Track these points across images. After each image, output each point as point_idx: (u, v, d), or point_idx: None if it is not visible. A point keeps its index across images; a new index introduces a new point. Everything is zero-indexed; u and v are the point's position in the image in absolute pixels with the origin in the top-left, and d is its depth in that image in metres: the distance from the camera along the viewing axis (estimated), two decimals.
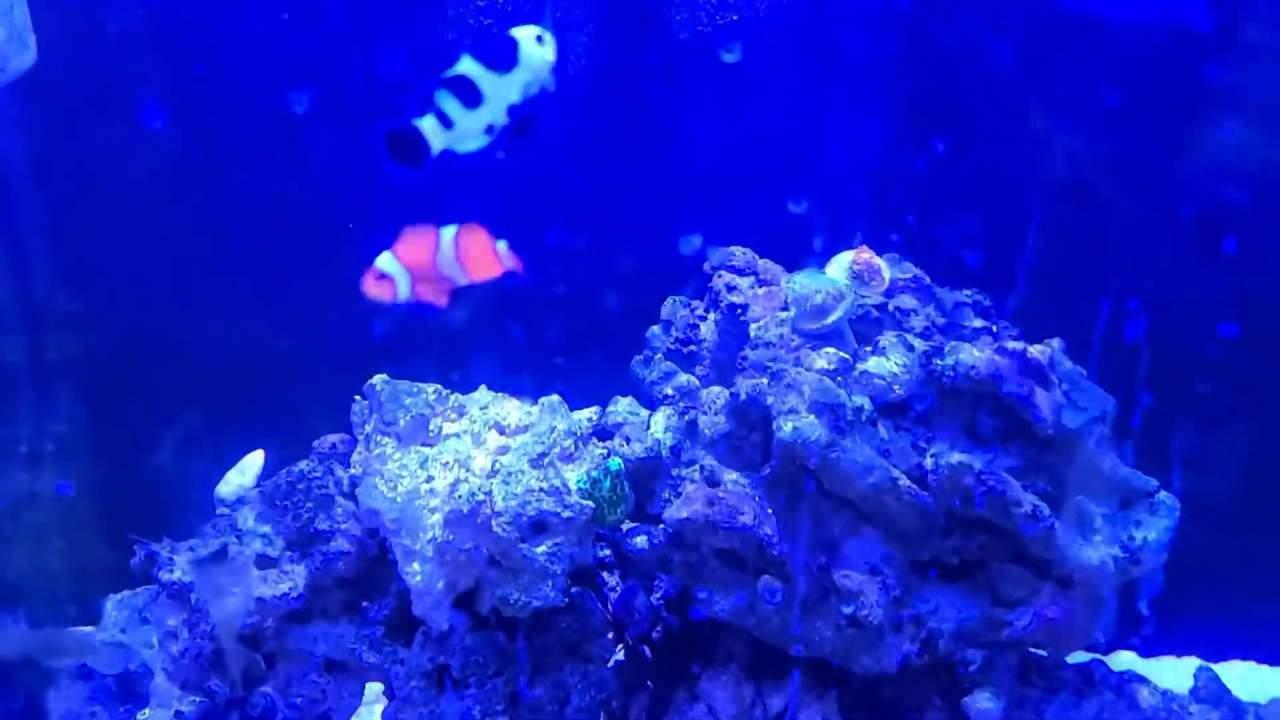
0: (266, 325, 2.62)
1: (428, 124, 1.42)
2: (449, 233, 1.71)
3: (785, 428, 1.93)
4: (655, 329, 2.35)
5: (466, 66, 1.41)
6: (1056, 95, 2.54)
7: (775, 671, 2.13)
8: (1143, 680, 2.21)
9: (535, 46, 1.47)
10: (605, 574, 2.19)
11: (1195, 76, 2.44)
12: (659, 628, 2.21)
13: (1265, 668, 2.79)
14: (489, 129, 1.46)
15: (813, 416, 1.94)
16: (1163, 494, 2.06)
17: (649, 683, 2.21)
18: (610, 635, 2.13)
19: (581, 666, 2.09)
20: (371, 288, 1.73)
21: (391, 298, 1.73)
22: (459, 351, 2.64)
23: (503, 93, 1.43)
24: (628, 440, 2.07)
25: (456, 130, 1.42)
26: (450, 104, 1.41)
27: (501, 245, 1.74)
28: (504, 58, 1.43)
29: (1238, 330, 2.37)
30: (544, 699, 2.07)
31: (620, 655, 2.22)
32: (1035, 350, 2.02)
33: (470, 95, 1.41)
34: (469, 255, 1.73)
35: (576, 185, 2.69)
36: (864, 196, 2.50)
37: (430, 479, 1.99)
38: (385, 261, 1.71)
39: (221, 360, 2.59)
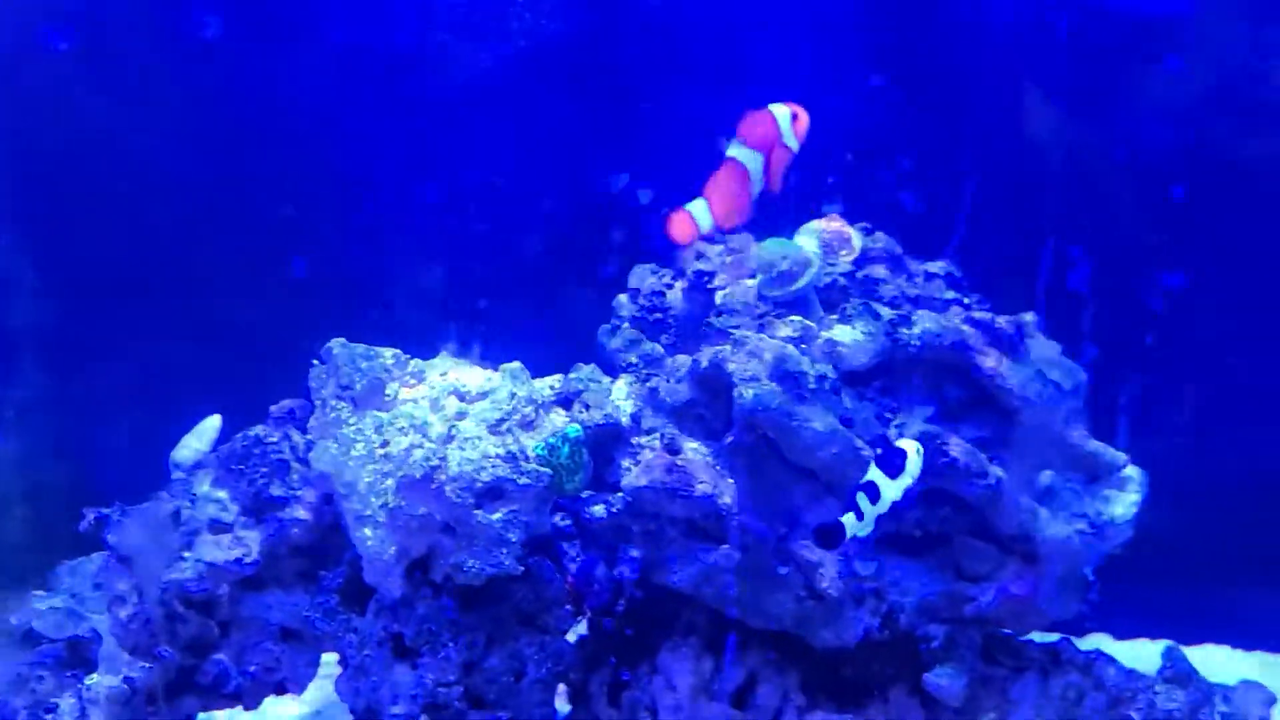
0: (227, 290, 2.59)
1: (849, 520, 1.74)
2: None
3: (745, 395, 1.89)
4: (623, 297, 2.31)
5: (873, 474, 1.75)
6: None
7: (737, 646, 2.10)
8: (1110, 660, 2.18)
9: (916, 457, 1.77)
10: (567, 544, 2.16)
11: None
12: (623, 600, 2.18)
13: (1240, 652, 2.77)
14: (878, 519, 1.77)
15: (774, 384, 1.90)
16: (1130, 469, 2.02)
17: (612, 655, 2.18)
18: (569, 606, 2.10)
19: (539, 637, 2.06)
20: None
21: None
22: (432, 317, 2.62)
23: (891, 493, 1.75)
24: (587, 407, 2.04)
25: (864, 521, 1.74)
26: (863, 502, 1.74)
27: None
28: (896, 467, 1.76)
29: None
30: (499, 669, 2.03)
31: (584, 628, 2.20)
32: (1003, 321, 1.99)
33: (874, 495, 1.75)
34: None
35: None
36: (838, 166, 2.47)
37: (385, 444, 1.96)
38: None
39: (181, 325, 2.56)
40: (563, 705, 2.20)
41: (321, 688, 2.26)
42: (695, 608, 2.07)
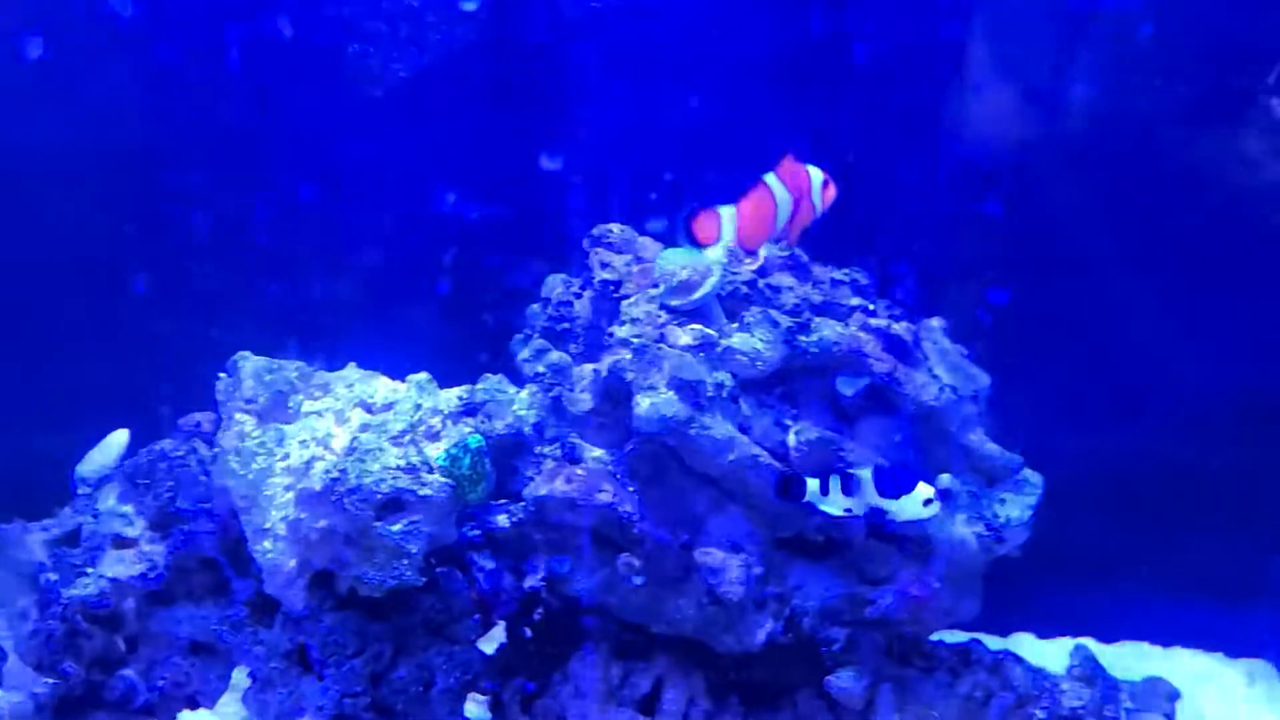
0: (137, 302, 2.58)
1: (813, 484, 1.84)
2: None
3: (643, 404, 1.91)
4: (535, 307, 2.33)
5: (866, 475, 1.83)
6: None
7: (644, 652, 2.11)
8: (1017, 659, 2.21)
9: (920, 508, 1.85)
10: (477, 555, 2.16)
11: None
12: (540, 609, 2.19)
13: (1157, 648, 2.81)
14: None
15: (672, 393, 1.92)
16: (1027, 471, 2.05)
17: (525, 664, 2.19)
18: (478, 616, 2.11)
19: (447, 648, 2.07)
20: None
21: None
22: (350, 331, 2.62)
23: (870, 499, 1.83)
24: (490, 417, 2.05)
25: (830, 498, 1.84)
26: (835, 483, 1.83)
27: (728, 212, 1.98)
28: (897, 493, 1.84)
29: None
30: (408, 680, 2.04)
31: (503, 637, 2.21)
32: (899, 328, 2.01)
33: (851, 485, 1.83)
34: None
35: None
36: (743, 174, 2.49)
37: (287, 456, 1.96)
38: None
39: (89, 337, 2.55)
40: (485, 714, 2.21)
41: (234, 701, 2.26)
42: (605, 615, 2.09)
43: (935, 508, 1.87)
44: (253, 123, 2.58)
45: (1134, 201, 2.51)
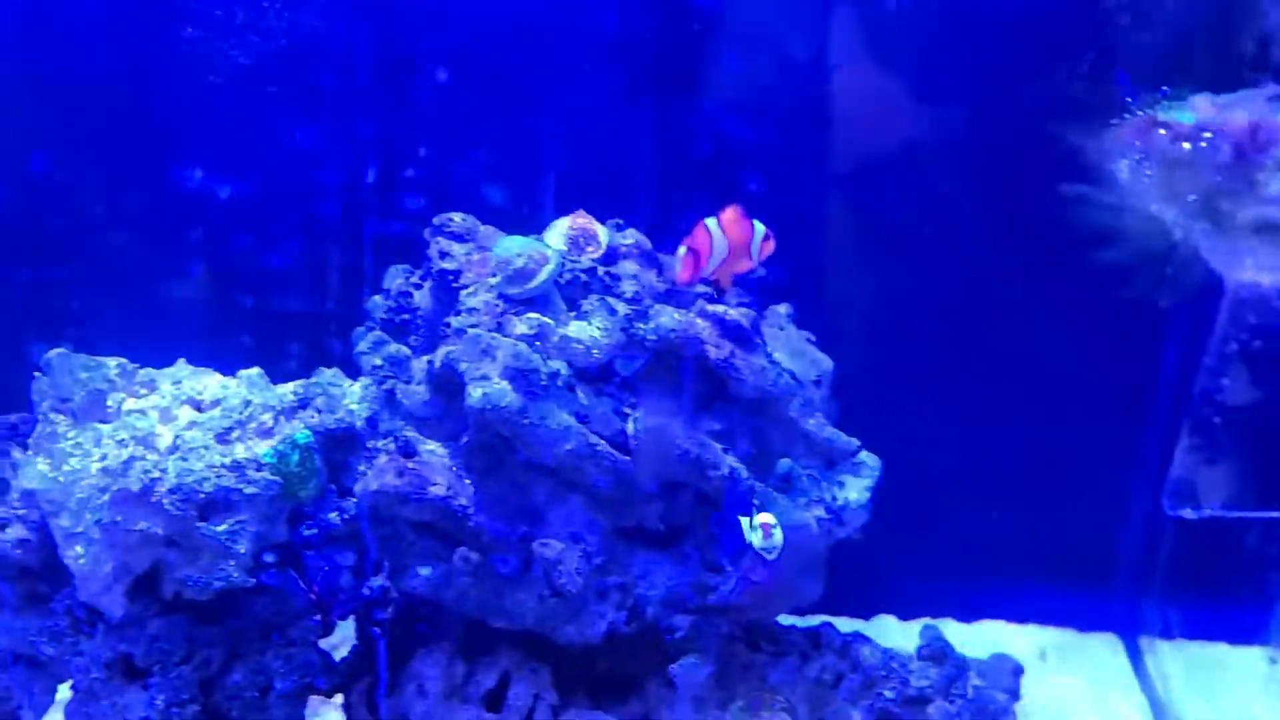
0: None
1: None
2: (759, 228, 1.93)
3: (475, 394, 1.87)
4: (376, 299, 2.27)
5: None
6: None
7: (490, 648, 2.08)
8: (866, 640, 2.23)
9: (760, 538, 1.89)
10: (314, 554, 2.10)
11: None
12: (389, 606, 2.14)
13: (1013, 625, 2.87)
14: None
15: (505, 383, 1.89)
16: (864, 454, 2.07)
17: (371, 664, 2.14)
18: (318, 617, 2.05)
19: (285, 650, 2.01)
20: (687, 262, 1.88)
21: (702, 268, 1.89)
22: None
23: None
24: (320, 412, 1.99)
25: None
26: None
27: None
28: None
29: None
30: (243, 685, 1.97)
31: (345, 638, 2.16)
32: (736, 314, 2.01)
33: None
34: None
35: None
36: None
37: (104, 457, 1.88)
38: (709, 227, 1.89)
39: None
40: (338, 715, 2.16)
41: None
42: (445, 611, 2.05)
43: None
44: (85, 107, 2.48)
45: (993, 190, 2.55)
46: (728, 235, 1.88)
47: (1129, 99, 1.72)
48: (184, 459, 1.87)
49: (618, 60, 2.45)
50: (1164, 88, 1.68)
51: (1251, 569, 2.42)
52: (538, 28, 2.46)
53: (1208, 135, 1.53)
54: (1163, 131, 1.60)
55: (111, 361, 1.99)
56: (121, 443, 1.89)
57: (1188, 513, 2.04)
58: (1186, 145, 1.55)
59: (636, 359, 1.98)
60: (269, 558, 1.97)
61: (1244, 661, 2.67)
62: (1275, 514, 1.99)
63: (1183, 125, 1.58)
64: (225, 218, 2.46)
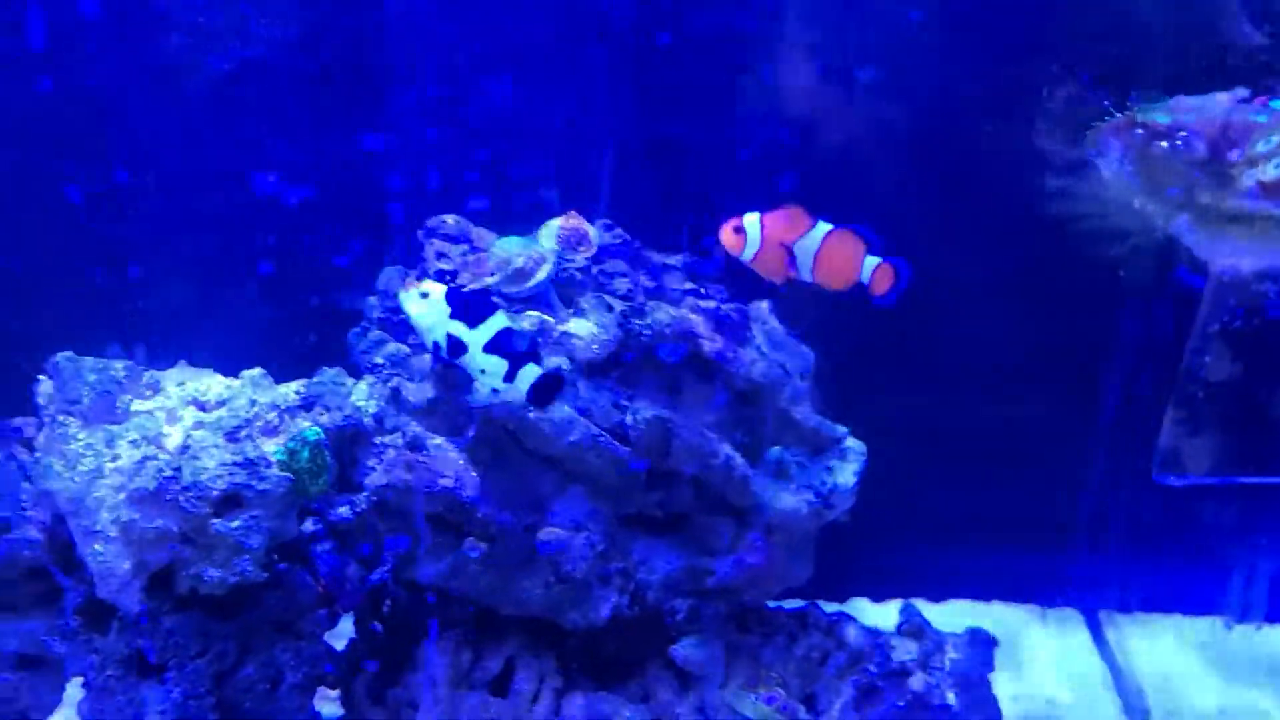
0: None
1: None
2: (823, 229, 1.88)
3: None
4: (372, 299, 2.32)
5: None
6: None
7: (496, 635, 2.14)
8: (851, 619, 2.33)
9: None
10: (320, 548, 2.15)
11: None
12: (388, 599, 2.19)
13: (980, 604, 3.00)
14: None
15: None
16: (850, 440, 2.17)
17: (376, 655, 2.19)
18: (324, 610, 2.10)
19: (294, 644, 2.05)
20: (727, 237, 1.88)
21: (739, 253, 1.87)
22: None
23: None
24: (327, 409, 2.04)
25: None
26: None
27: (872, 262, 1.88)
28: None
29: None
30: (255, 678, 2.02)
31: (352, 630, 2.21)
32: (728, 308, 2.09)
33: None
34: (829, 258, 1.87)
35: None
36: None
37: (116, 458, 1.91)
38: (749, 220, 1.88)
39: None
40: (336, 708, 2.20)
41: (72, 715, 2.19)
42: (452, 601, 2.11)
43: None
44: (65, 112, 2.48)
45: (935, 178, 2.64)
46: (767, 230, 1.87)
47: (1105, 103, 1.83)
48: (196, 457, 1.91)
49: (618, 61, 2.52)
50: (1133, 93, 1.80)
51: (1210, 540, 2.55)
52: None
53: (1183, 134, 1.65)
54: (1141, 131, 1.72)
55: (119, 363, 2.03)
56: (134, 443, 1.93)
57: (1173, 480, 2.17)
58: (1164, 144, 1.67)
59: (681, 347, 2.03)
60: (280, 553, 2.01)
61: (1201, 630, 2.82)
62: (1256, 479, 2.12)
63: (1159, 125, 1.70)
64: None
